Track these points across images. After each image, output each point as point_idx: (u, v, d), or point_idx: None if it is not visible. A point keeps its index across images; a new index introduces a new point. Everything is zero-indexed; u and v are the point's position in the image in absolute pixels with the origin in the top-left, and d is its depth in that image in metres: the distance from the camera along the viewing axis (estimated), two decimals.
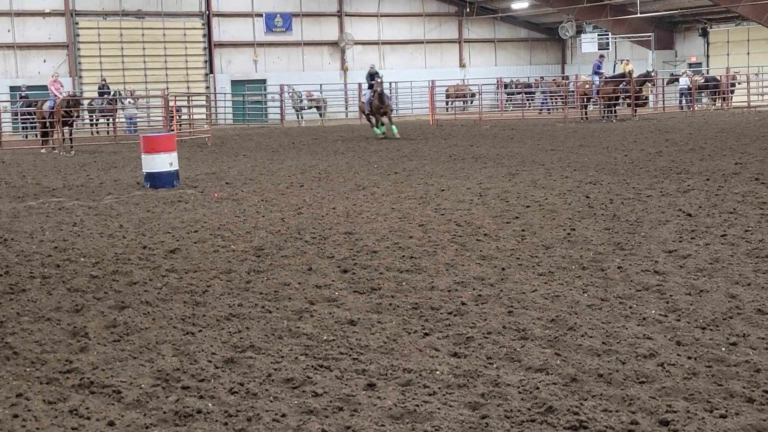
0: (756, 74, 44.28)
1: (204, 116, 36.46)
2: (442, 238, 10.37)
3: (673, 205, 12.18)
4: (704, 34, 49.11)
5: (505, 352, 6.02)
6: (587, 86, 36.07)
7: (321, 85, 45.26)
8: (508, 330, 6.56)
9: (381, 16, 50.96)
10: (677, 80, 42.39)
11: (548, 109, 44.57)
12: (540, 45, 55.85)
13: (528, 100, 48.20)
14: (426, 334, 6.55)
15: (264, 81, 47.00)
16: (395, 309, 7.30)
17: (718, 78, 42.36)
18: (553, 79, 49.00)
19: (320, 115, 43.70)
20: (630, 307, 7.05)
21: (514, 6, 51.74)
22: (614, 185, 14.45)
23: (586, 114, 35.94)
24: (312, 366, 5.87)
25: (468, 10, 52.72)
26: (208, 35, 45.72)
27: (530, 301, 7.37)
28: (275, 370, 5.81)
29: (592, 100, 36.14)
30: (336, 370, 5.79)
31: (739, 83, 42.73)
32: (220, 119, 44.00)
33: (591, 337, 6.29)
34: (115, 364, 6.06)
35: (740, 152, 19.07)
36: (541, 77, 50.49)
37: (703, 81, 41.85)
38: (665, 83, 42.93)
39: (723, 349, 5.91)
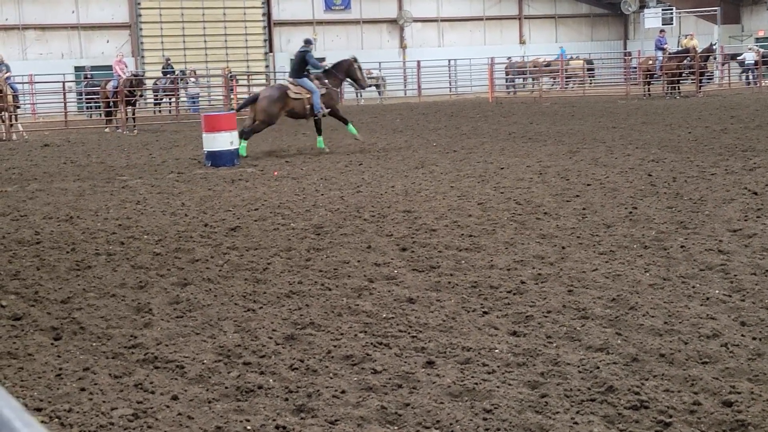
0: None
1: None
2: (501, 217, 10.32)
3: (739, 183, 11.98)
4: None
5: (564, 331, 5.99)
6: (650, 62, 35.53)
7: (380, 63, 45.19)
8: (568, 309, 6.52)
9: None
10: (737, 56, 41.55)
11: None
12: (602, 21, 55.05)
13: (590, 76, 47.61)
14: (485, 312, 6.54)
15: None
16: (454, 287, 7.29)
17: None
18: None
19: (379, 93, 43.68)
20: (693, 287, 6.97)
21: None
22: (677, 163, 14.24)
23: (648, 91, 35.42)
24: (371, 343, 5.90)
25: None
26: (268, 14, 45.83)
27: (591, 280, 7.31)
28: (335, 347, 5.85)
29: (655, 76, 35.58)
30: (395, 347, 5.81)
31: None
32: None
33: (653, 316, 6.23)
34: (179, 339, 6.15)
35: None
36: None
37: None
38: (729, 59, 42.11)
39: None
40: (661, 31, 37.55)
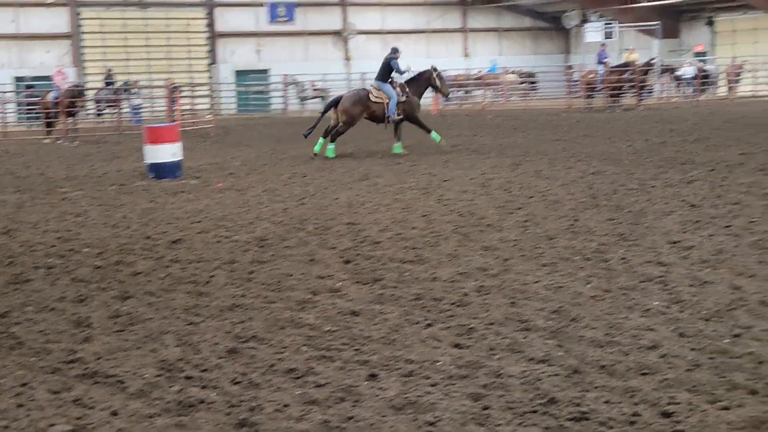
0: (764, 63, 44.13)
1: (207, 106, 36.45)
2: (444, 229, 10.36)
3: (678, 195, 12.16)
4: (710, 23, 48.97)
5: (507, 343, 6.02)
6: (591, 75, 35.94)
7: (324, 74, 45.22)
8: (510, 321, 6.56)
9: (385, 5, 50.84)
10: (674, 71, 42.32)
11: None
12: (544, 34, 55.68)
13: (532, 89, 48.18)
14: (428, 324, 6.56)
15: (267, 71, 46.99)
16: (397, 300, 7.30)
17: (708, 69, 42.27)
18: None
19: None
20: (633, 299, 7.05)
21: None
22: (618, 176, 14.42)
23: (590, 104, 35.82)
24: (314, 357, 5.89)
25: None
26: (211, 25, 45.69)
27: (533, 292, 7.37)
28: (278, 360, 5.83)
29: (596, 89, 35.98)
30: (338, 360, 5.80)
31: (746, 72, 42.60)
32: (224, 109, 43.98)
33: (593, 328, 6.29)
34: (119, 354, 6.08)
35: (745, 142, 19.00)
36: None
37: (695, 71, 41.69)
38: (665, 73, 42.77)
39: (726, 340, 5.91)
40: (602, 44, 38.05)
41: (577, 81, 39.46)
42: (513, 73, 46.77)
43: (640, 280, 7.66)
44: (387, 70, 19.84)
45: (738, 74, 42.30)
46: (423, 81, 20.52)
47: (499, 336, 6.20)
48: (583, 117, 31.08)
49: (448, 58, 51.08)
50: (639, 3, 45.59)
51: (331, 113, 19.92)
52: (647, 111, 32.90)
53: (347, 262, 8.82)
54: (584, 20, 48.99)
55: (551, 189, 13.22)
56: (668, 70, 42.46)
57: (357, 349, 6.02)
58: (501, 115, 33.77)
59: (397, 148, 19.80)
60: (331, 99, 20.61)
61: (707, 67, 42.67)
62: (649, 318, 6.51)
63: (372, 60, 49.23)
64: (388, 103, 19.67)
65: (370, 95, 19.78)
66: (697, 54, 47.26)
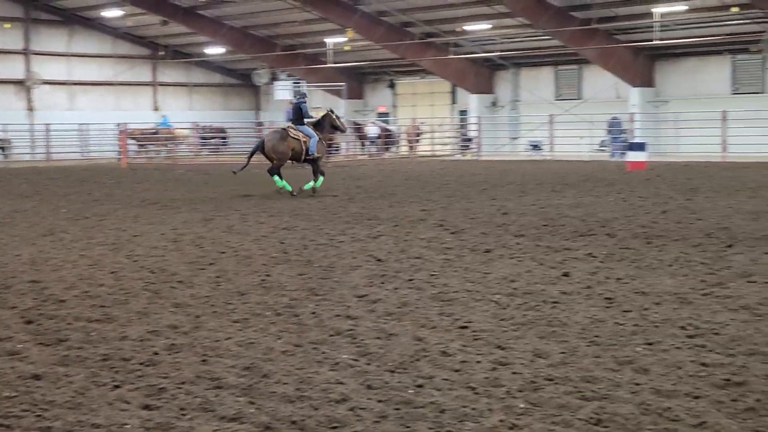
0: (440, 125, 47.01)
1: None
2: (134, 286, 10.10)
3: (364, 250, 12.58)
4: (392, 85, 51.58)
5: (198, 403, 5.93)
6: None
7: (6, 125, 43.10)
8: (201, 379, 6.47)
9: (70, 56, 49.38)
10: (359, 130, 44.25)
11: None
12: (235, 90, 56.29)
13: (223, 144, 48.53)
14: (116, 386, 6.33)
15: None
16: (83, 361, 7.00)
17: (391, 129, 44.67)
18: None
19: (4, 156, 41.68)
20: (323, 353, 7.17)
21: (209, 51, 51.93)
22: (308, 231, 14.72)
23: None
24: None
25: (162, 53, 52.34)
26: None
27: (225, 349, 7.32)
28: None
29: None
30: (17, 429, 5.46)
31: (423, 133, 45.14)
32: None
33: (285, 383, 6.33)
34: None
35: (426, 199, 20.07)
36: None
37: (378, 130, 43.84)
38: (352, 131, 44.58)
39: (410, 391, 6.13)
40: (292, 102, 38.99)
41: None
42: (187, 128, 47.05)
43: (330, 333, 7.82)
44: (299, 113, 21.88)
45: (417, 134, 44.87)
46: (327, 123, 22.53)
47: (190, 395, 6.09)
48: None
49: (138, 111, 50.41)
50: (325, 64, 47.21)
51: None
52: (335, 168, 33.92)
53: (29, 322, 8.36)
54: (274, 78, 50.09)
55: (243, 244, 13.27)
56: (354, 129, 44.25)
57: (39, 415, 5.69)
58: (192, 170, 33.60)
59: (309, 185, 21.78)
60: (255, 144, 22.46)
61: (389, 127, 44.91)
62: (338, 371, 6.64)
63: (58, 111, 47.72)
64: (306, 141, 21.45)
65: (290, 132, 21.49)
66: (380, 114, 49.63)
